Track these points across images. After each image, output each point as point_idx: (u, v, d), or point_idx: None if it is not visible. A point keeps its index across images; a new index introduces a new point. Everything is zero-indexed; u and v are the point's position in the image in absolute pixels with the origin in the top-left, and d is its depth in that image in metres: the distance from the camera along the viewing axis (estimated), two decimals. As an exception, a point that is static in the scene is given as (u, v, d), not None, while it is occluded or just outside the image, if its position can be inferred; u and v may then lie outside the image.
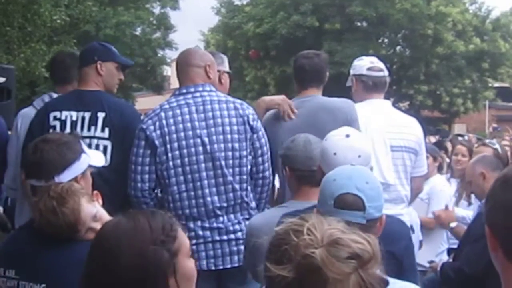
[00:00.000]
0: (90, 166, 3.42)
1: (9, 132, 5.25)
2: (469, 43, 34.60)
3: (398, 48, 37.14)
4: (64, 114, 4.67)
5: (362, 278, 1.83)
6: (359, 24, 35.86)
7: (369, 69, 5.32)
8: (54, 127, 4.65)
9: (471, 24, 35.14)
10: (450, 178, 7.67)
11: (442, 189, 7.03)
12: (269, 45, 34.43)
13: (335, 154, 3.54)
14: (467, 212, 6.67)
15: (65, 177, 3.22)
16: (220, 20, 38.84)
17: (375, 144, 4.99)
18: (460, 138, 12.64)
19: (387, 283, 1.99)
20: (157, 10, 35.79)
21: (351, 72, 5.45)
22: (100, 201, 3.24)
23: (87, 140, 4.51)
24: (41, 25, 16.47)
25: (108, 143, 4.54)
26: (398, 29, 35.21)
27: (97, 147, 4.54)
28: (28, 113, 5.12)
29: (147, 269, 2.28)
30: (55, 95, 5.15)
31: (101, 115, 4.62)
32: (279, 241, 1.93)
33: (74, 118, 4.64)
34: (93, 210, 3.08)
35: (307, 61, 5.28)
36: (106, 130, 4.59)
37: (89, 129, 4.60)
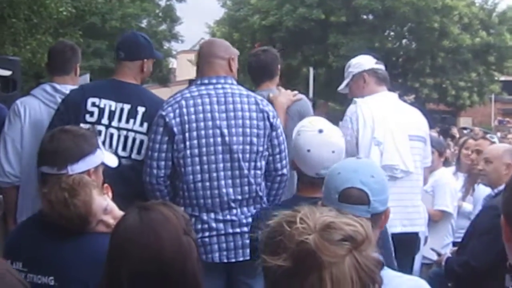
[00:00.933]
0: (103, 163, 3.43)
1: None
2: (475, 36, 34.56)
3: (404, 41, 37.11)
4: (103, 102, 4.63)
5: (357, 260, 1.84)
6: (365, 17, 35.84)
7: (377, 63, 5.36)
8: (92, 113, 4.60)
9: (478, 18, 35.10)
10: (456, 172, 7.64)
11: (447, 181, 7.01)
12: (275, 38, 34.41)
13: (308, 151, 3.53)
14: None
15: (79, 167, 3.23)
16: (226, 12, 38.86)
17: (395, 133, 5.01)
18: (465, 131, 12.61)
19: (382, 265, 1.99)
20: (163, 2, 35.81)
21: (356, 69, 5.41)
22: (110, 194, 3.24)
23: (124, 132, 4.56)
24: (47, 17, 16.47)
25: (145, 138, 4.51)
26: (404, 22, 35.16)
27: (133, 141, 4.55)
28: (32, 103, 5.09)
29: (185, 258, 2.33)
30: (56, 85, 5.12)
31: (141, 110, 4.61)
32: (273, 233, 1.94)
33: (112, 108, 4.61)
34: (104, 203, 3.07)
35: (254, 59, 5.61)
36: (145, 124, 4.57)
37: (127, 121, 4.59)
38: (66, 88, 5.03)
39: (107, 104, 4.63)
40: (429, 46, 34.21)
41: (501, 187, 5.16)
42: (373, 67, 5.34)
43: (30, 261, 2.98)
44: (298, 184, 3.76)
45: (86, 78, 6.05)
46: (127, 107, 4.62)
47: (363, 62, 5.42)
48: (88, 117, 4.59)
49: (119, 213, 3.06)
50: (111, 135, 4.55)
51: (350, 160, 3.07)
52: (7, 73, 5.92)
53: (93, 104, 4.63)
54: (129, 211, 2.48)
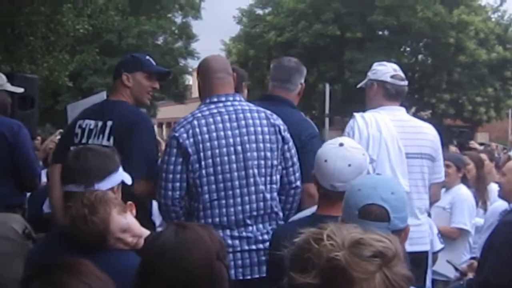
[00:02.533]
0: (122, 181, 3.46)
1: (36, 142, 5.26)
2: (492, 51, 34.49)
3: (420, 56, 37.07)
4: (86, 122, 4.74)
5: (387, 277, 1.83)
6: (380, 33, 35.86)
7: (392, 77, 5.26)
8: (77, 134, 4.72)
9: (494, 33, 35.03)
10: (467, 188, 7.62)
11: (465, 198, 6.96)
12: (290, 54, 34.31)
13: (325, 161, 3.53)
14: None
15: (105, 185, 3.26)
16: (241, 29, 38.99)
17: (390, 151, 4.96)
18: (481, 147, 12.55)
19: (412, 281, 1.97)
20: (179, 20, 36.00)
21: (372, 76, 5.39)
22: (134, 212, 3.26)
23: None
24: (64, 34, 16.57)
25: None
26: (420, 37, 35.17)
27: None
28: None
29: (213, 282, 2.32)
30: None
31: (109, 124, 4.64)
32: (300, 251, 1.93)
33: (91, 127, 4.69)
34: (123, 221, 3.09)
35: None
36: (111, 139, 4.60)
37: (98, 137, 4.63)
38: None
39: (88, 123, 4.72)
40: (445, 62, 34.16)
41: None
42: (386, 80, 5.28)
43: None
44: (318, 202, 3.75)
45: (103, 95, 6.06)
46: (100, 123, 4.67)
47: (380, 70, 5.37)
48: (75, 139, 4.71)
49: (141, 230, 3.08)
50: None
51: (370, 177, 3.07)
52: (20, 90, 5.93)
53: (79, 126, 4.75)
54: (167, 228, 2.50)
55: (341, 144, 3.57)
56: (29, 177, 5.29)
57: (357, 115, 5.17)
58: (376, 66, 5.44)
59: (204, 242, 2.37)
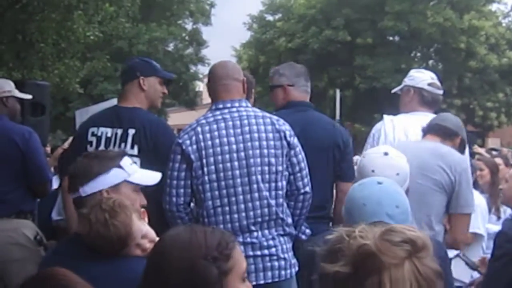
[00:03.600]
0: (129, 182, 3.39)
1: (47, 148, 5.26)
2: (503, 56, 34.41)
3: (430, 62, 36.99)
4: (101, 130, 4.73)
5: (417, 267, 1.82)
6: (391, 38, 35.83)
7: (430, 84, 5.29)
8: (91, 142, 4.71)
9: (504, 38, 34.96)
10: (481, 193, 7.57)
11: (478, 203, 6.91)
12: (301, 60, 34.37)
13: (373, 171, 3.53)
14: (498, 227, 6.60)
15: (90, 188, 3.23)
16: (252, 35, 39.04)
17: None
18: (494, 152, 12.48)
19: (442, 276, 1.96)
20: (189, 26, 36.13)
21: (408, 82, 5.39)
22: (146, 219, 3.25)
23: None
24: (74, 41, 16.61)
25: (137, 160, 4.48)
26: (430, 43, 35.12)
27: None
28: None
29: (195, 284, 2.27)
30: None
31: (131, 132, 4.64)
32: (332, 244, 1.93)
33: (109, 135, 4.69)
34: (143, 227, 3.10)
35: None
36: (136, 147, 4.61)
37: (119, 146, 4.62)
38: None
39: (104, 131, 4.72)
40: (456, 67, 34.08)
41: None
42: (423, 87, 5.29)
43: None
44: None
45: (114, 102, 6.06)
46: (120, 131, 4.67)
47: (418, 77, 5.38)
48: (88, 147, 4.69)
49: (156, 238, 3.07)
50: None
51: (372, 188, 3.02)
52: (28, 96, 5.94)
53: (92, 134, 4.74)
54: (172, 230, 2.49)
55: (385, 153, 3.59)
56: (41, 183, 5.30)
57: (387, 118, 5.18)
58: (414, 72, 5.48)
59: (193, 243, 2.31)
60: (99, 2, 16.30)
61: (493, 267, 4.37)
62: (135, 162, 4.36)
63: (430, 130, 4.73)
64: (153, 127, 4.67)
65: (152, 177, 3.61)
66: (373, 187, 3.02)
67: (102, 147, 4.63)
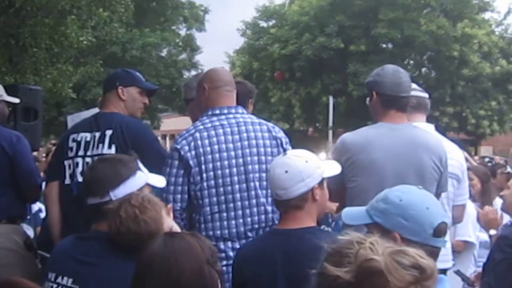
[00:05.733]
0: (148, 184, 3.44)
1: (34, 153, 5.24)
2: (495, 64, 34.56)
3: (423, 69, 37.12)
4: (80, 135, 4.76)
5: None
6: (384, 45, 35.93)
7: (412, 89, 5.18)
8: (71, 148, 4.75)
9: (497, 46, 35.09)
10: (472, 202, 7.59)
11: (469, 211, 6.94)
12: (294, 67, 34.54)
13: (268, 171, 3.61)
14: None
15: (121, 192, 3.24)
16: (245, 41, 39.07)
17: None
18: (486, 159, 12.53)
19: None
20: (183, 32, 36.19)
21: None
22: (172, 215, 3.27)
23: (95, 158, 4.55)
24: (68, 46, 16.61)
25: None
26: (423, 51, 35.23)
27: None
28: None
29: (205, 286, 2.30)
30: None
31: (108, 133, 4.66)
32: (341, 247, 1.91)
33: (88, 139, 4.72)
34: (171, 223, 3.12)
35: None
36: (113, 146, 4.62)
37: (97, 147, 4.65)
38: None
39: (83, 136, 4.74)
40: (449, 75, 34.21)
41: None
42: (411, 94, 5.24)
43: (82, 278, 2.99)
44: None
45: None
46: (98, 134, 4.69)
47: None
48: (69, 153, 4.73)
49: None
50: (87, 164, 4.58)
51: (424, 193, 3.03)
52: (16, 100, 5.90)
53: (73, 140, 4.76)
54: (157, 238, 2.49)
55: (284, 154, 3.60)
56: (30, 188, 5.27)
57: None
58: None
59: (193, 249, 2.37)
60: (92, 7, 16.31)
61: (495, 272, 4.37)
62: None
63: (393, 104, 4.52)
64: (129, 126, 4.69)
65: (160, 180, 3.67)
66: (418, 191, 3.03)
67: (81, 151, 4.68)
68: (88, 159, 4.65)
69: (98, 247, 3.11)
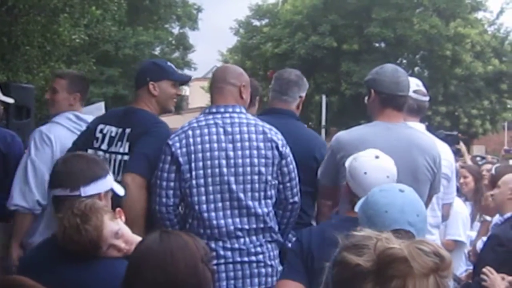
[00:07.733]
0: (111, 189, 3.45)
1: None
2: (488, 64, 34.61)
3: (416, 69, 37.12)
4: (107, 128, 4.70)
5: (438, 285, 1.82)
6: (377, 45, 35.93)
7: (415, 91, 5.16)
8: (97, 138, 4.69)
9: (490, 45, 35.16)
10: (465, 201, 7.62)
11: (459, 210, 6.96)
12: (287, 66, 34.40)
13: (365, 173, 3.58)
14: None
15: (91, 190, 3.24)
16: (238, 40, 39.05)
17: None
18: (478, 158, 12.56)
19: None
20: (176, 30, 36.08)
21: None
22: (123, 218, 3.26)
23: (113, 156, 4.57)
24: (60, 44, 16.55)
25: (127, 158, 4.52)
26: (416, 50, 35.26)
27: (120, 163, 4.53)
28: (59, 131, 5.09)
29: (199, 285, 2.34)
30: (79, 114, 5.19)
31: (127, 131, 4.61)
32: (358, 240, 1.92)
33: (113, 134, 4.66)
34: (116, 227, 3.09)
35: None
36: (127, 146, 4.58)
37: (116, 145, 4.60)
38: (90, 118, 5.06)
39: (109, 130, 4.69)
40: (442, 74, 34.24)
41: (507, 214, 5.14)
42: (409, 94, 5.21)
43: (45, 284, 2.99)
44: (344, 208, 3.89)
45: (101, 106, 6.05)
46: (120, 131, 4.64)
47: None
48: (95, 143, 4.68)
49: (132, 237, 3.09)
50: (109, 160, 4.54)
51: (395, 195, 3.04)
52: (11, 100, 5.89)
53: (100, 131, 4.72)
54: (151, 234, 2.50)
55: (376, 157, 3.67)
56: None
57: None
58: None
59: (189, 246, 2.41)
60: (85, 5, 16.25)
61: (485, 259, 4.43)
62: (125, 160, 4.45)
63: (391, 102, 4.54)
64: (145, 125, 4.61)
65: (120, 188, 3.63)
66: (395, 195, 3.05)
67: (104, 145, 4.64)
68: (107, 155, 4.58)
69: (52, 252, 3.13)
